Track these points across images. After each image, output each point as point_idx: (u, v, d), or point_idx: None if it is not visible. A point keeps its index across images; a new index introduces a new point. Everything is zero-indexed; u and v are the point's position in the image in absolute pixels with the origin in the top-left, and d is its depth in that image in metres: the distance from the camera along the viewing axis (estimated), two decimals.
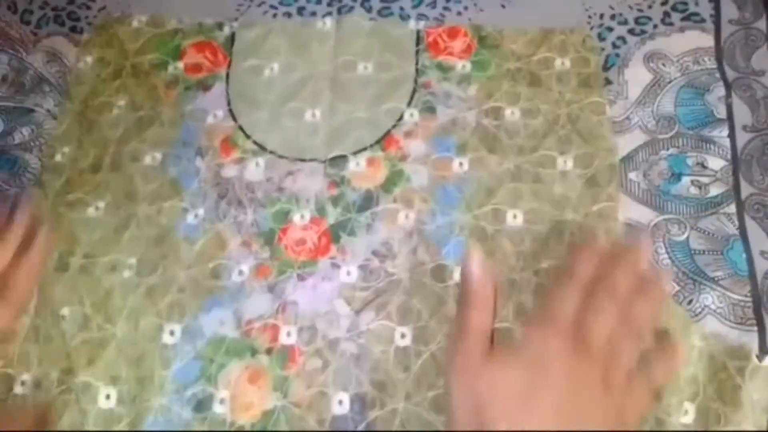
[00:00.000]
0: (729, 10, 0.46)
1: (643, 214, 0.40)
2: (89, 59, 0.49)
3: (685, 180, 0.41)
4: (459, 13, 0.48)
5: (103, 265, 0.41)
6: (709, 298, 0.37)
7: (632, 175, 0.41)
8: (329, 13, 0.49)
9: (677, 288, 0.38)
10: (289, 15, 0.49)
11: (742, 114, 0.42)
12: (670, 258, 0.38)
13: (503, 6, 0.48)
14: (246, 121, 0.45)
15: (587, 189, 0.41)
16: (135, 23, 0.50)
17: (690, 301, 0.37)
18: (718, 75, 0.44)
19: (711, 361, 0.35)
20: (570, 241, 0.38)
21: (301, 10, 0.50)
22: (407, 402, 0.36)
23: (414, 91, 0.45)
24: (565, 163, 0.42)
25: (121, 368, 0.38)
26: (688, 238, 0.39)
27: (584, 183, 0.41)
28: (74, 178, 0.44)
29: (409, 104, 0.45)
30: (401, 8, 0.49)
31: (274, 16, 0.49)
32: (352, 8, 0.49)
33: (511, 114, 0.44)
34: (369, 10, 0.49)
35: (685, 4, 0.47)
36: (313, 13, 0.49)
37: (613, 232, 0.39)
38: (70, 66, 0.49)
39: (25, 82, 0.48)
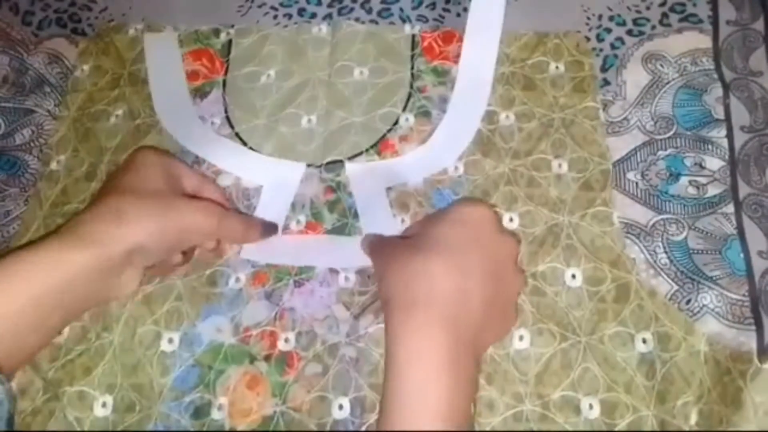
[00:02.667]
0: (726, 11, 0.46)
1: (641, 214, 0.40)
2: (86, 67, 0.49)
3: (683, 180, 0.41)
4: (458, 15, 0.48)
5: None
6: (708, 297, 0.37)
7: (630, 176, 0.41)
8: (329, 15, 0.49)
9: (676, 287, 0.38)
10: (289, 16, 0.50)
11: (740, 115, 0.42)
12: (668, 258, 0.38)
13: None
14: (243, 128, 0.45)
15: (582, 192, 0.41)
16: (131, 31, 0.50)
17: (688, 301, 0.37)
18: (715, 76, 0.44)
19: (716, 366, 0.35)
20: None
21: (301, 12, 0.50)
22: None
23: (409, 96, 0.45)
24: (560, 166, 0.42)
25: (117, 376, 0.38)
26: (686, 237, 0.39)
27: (579, 186, 0.41)
28: (69, 186, 0.44)
29: (404, 109, 0.45)
30: (401, 9, 0.49)
31: (275, 17, 0.50)
32: (352, 9, 0.49)
33: (506, 118, 0.44)
34: (369, 11, 0.49)
35: (683, 5, 0.47)
36: (313, 15, 0.49)
37: (609, 236, 0.39)
38: (71, 69, 0.49)
39: (26, 82, 0.49)
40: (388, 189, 0.42)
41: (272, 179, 0.43)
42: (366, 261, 0.38)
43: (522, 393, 0.36)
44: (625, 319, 0.37)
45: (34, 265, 0.31)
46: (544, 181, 0.41)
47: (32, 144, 0.46)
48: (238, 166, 0.44)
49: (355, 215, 0.41)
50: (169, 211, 0.34)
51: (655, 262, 0.38)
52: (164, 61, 0.48)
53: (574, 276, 0.38)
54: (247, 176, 0.43)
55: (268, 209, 0.42)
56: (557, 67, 0.45)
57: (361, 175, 0.42)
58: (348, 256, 0.39)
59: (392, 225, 0.40)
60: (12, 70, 0.49)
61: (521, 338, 0.37)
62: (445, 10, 0.49)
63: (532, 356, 0.36)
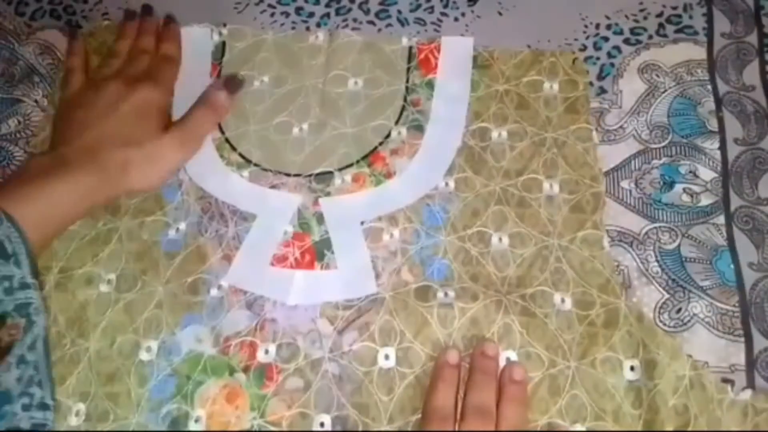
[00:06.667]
0: (721, 24, 0.46)
1: (633, 223, 0.40)
2: None
3: (678, 188, 0.41)
4: (456, 19, 0.48)
5: (78, 278, 0.40)
6: (698, 307, 0.37)
7: (624, 184, 0.41)
8: (326, 14, 0.49)
9: (667, 296, 0.37)
10: (287, 14, 0.49)
11: (734, 127, 0.42)
12: (660, 266, 0.38)
13: (500, 13, 0.48)
14: (233, 134, 0.45)
15: (573, 215, 0.40)
16: None
17: (679, 310, 0.37)
18: (709, 87, 0.44)
19: (703, 392, 0.35)
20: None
21: (299, 10, 0.50)
22: (390, 425, 0.35)
23: (403, 109, 0.45)
24: (551, 187, 0.41)
25: (92, 384, 0.37)
26: (679, 246, 0.39)
27: (570, 208, 0.40)
28: None
29: (397, 122, 0.44)
30: (399, 11, 0.49)
31: (272, 15, 0.49)
32: (350, 9, 0.49)
33: (498, 136, 0.43)
34: (367, 12, 0.49)
35: (679, 16, 0.47)
36: (311, 14, 0.49)
37: (598, 260, 0.39)
38: (62, 60, 0.48)
39: (15, 73, 0.48)
40: (363, 223, 0.41)
41: (267, 210, 0.42)
42: (351, 294, 0.38)
43: None
44: (614, 344, 0.36)
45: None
46: (535, 203, 0.41)
47: (18, 135, 0.46)
48: (234, 194, 0.42)
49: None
50: (160, 160, 0.41)
51: (646, 270, 0.38)
52: (194, 58, 0.48)
53: (563, 300, 0.37)
54: (242, 205, 0.42)
55: (260, 239, 0.41)
56: (551, 87, 0.44)
57: (335, 210, 0.41)
58: (334, 290, 0.39)
59: (365, 260, 0.39)
60: (2, 60, 0.49)
61: (508, 361, 0.36)
62: (443, 14, 0.49)
63: None
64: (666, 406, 0.34)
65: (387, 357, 0.37)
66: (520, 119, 0.43)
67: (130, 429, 0.36)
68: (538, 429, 0.35)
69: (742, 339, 0.36)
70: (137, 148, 0.40)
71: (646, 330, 0.36)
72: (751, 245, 0.39)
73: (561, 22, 0.47)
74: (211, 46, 0.48)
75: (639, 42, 0.46)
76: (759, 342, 0.36)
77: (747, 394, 0.35)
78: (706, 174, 0.41)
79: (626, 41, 0.46)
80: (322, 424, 0.35)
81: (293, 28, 0.49)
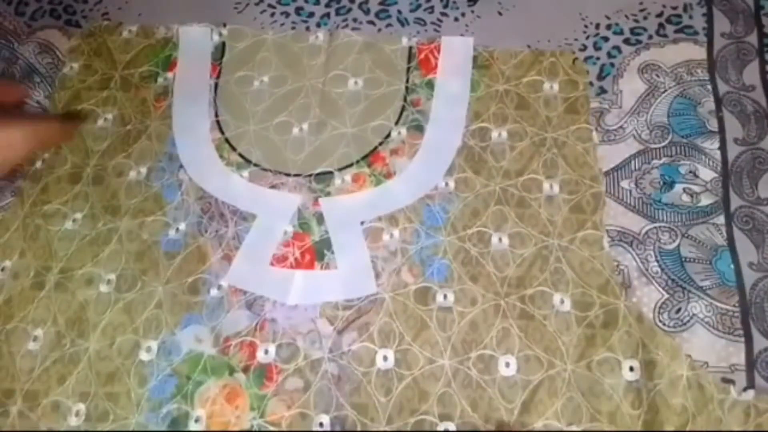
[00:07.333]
0: (721, 24, 0.47)
1: (633, 223, 0.40)
2: (75, 65, 0.48)
3: (678, 188, 0.41)
4: (456, 19, 0.48)
5: (78, 278, 0.40)
6: (698, 307, 0.37)
7: (624, 184, 0.41)
8: (326, 14, 0.49)
9: (666, 296, 0.37)
10: (287, 14, 0.49)
11: (734, 127, 0.43)
12: (659, 266, 0.38)
13: (500, 13, 0.48)
14: (233, 134, 0.45)
15: (573, 215, 0.40)
16: (125, 33, 0.49)
17: (678, 310, 0.37)
18: (709, 87, 0.44)
19: (701, 392, 0.34)
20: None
21: (299, 11, 0.50)
22: (389, 426, 0.35)
23: (403, 109, 0.45)
24: (551, 187, 0.41)
25: (92, 384, 0.37)
26: (678, 246, 0.39)
27: (570, 209, 0.40)
28: (51, 184, 0.43)
29: (397, 122, 0.44)
30: (399, 12, 0.49)
31: (272, 15, 0.49)
32: (350, 9, 0.49)
33: (498, 136, 0.43)
34: (367, 12, 0.49)
35: (679, 16, 0.47)
36: (311, 14, 0.49)
37: (598, 260, 0.38)
38: (62, 60, 0.48)
39: (15, 72, 0.48)
40: (363, 223, 0.41)
41: (267, 210, 0.42)
42: (351, 294, 0.38)
43: (507, 421, 0.35)
44: (613, 345, 0.36)
45: None
46: (535, 203, 0.41)
47: None
48: (234, 194, 0.42)
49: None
50: None
51: (646, 269, 0.38)
52: (194, 57, 0.47)
53: (562, 301, 0.37)
54: (242, 205, 0.42)
55: (260, 239, 0.41)
56: (551, 87, 0.44)
57: (335, 209, 0.41)
58: (333, 290, 0.39)
59: (365, 260, 0.39)
60: (2, 60, 0.49)
61: (507, 365, 0.36)
62: (443, 14, 0.49)
63: (519, 384, 0.36)
64: (666, 407, 0.34)
65: (386, 358, 0.37)
66: (520, 119, 0.43)
67: (130, 429, 0.36)
68: (535, 431, 0.35)
69: (742, 339, 0.36)
70: None
71: (645, 330, 0.36)
72: (751, 245, 0.39)
73: (561, 22, 0.47)
74: (211, 46, 0.48)
75: (639, 42, 0.46)
76: (759, 342, 0.36)
77: (750, 395, 0.34)
78: (706, 174, 0.41)
79: (626, 41, 0.46)
80: (321, 425, 0.35)
81: (293, 28, 0.49)
